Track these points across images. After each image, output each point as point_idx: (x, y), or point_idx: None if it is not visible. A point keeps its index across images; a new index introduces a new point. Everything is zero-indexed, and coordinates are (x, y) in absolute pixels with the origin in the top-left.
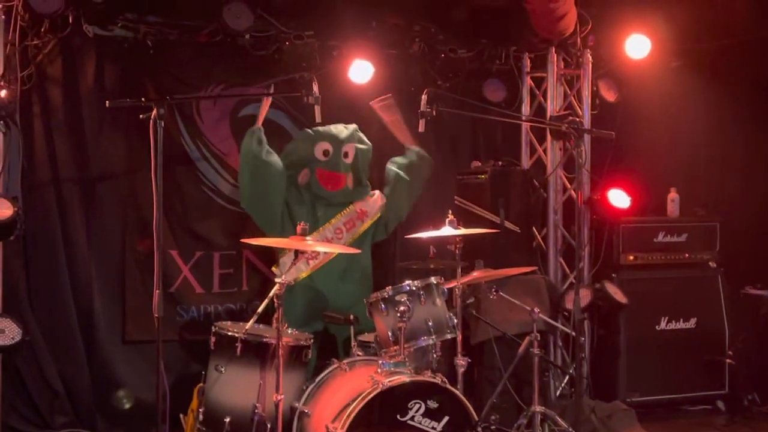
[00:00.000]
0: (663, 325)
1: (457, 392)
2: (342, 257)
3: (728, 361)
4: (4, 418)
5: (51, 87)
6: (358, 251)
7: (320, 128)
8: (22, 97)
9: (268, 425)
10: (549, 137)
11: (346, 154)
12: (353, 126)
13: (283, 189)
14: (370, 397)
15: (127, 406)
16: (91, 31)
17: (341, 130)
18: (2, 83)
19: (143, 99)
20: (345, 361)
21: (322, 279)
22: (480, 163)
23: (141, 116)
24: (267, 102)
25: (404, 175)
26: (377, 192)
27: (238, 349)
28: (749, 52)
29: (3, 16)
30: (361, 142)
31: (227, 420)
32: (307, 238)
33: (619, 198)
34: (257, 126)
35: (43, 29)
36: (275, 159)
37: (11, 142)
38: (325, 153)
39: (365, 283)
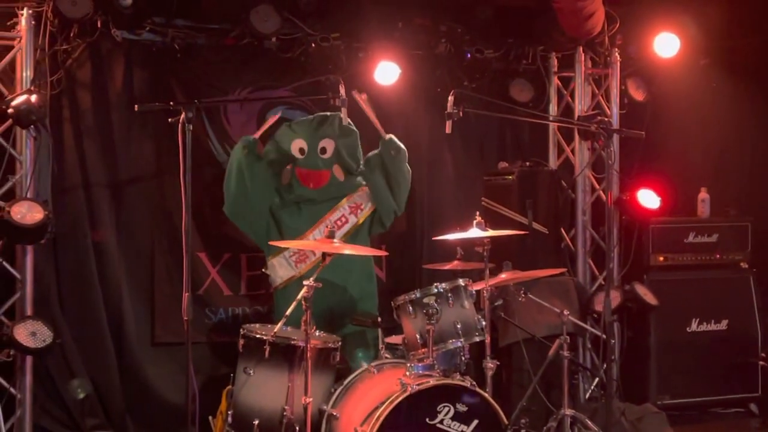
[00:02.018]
0: (694, 326)
1: (486, 395)
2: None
3: (761, 363)
4: (36, 420)
5: (80, 91)
6: (386, 253)
7: (300, 120)
8: (51, 101)
9: (297, 428)
10: (577, 137)
11: (323, 150)
12: (334, 114)
13: (268, 199)
14: (398, 400)
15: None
16: (119, 36)
17: (320, 121)
18: (32, 88)
19: (171, 102)
20: (373, 364)
21: (321, 279)
22: (507, 164)
23: (169, 120)
24: (271, 120)
25: (368, 170)
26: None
27: (267, 352)
28: None
29: (33, 22)
30: (343, 133)
31: (256, 423)
32: (335, 240)
33: (648, 198)
34: (252, 136)
35: (72, 34)
36: (263, 170)
37: (42, 146)
38: (301, 151)
39: (368, 278)
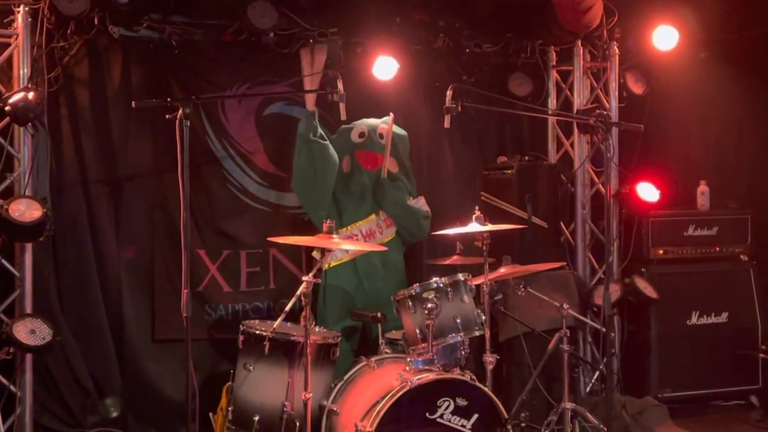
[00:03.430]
0: (694, 319)
1: (486, 389)
2: (378, 253)
3: (761, 355)
4: (37, 418)
5: (78, 88)
6: (385, 248)
7: (357, 121)
8: (49, 99)
9: (297, 423)
10: (576, 131)
11: (381, 136)
12: (387, 116)
13: (335, 172)
14: (398, 395)
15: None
16: (116, 32)
17: (371, 119)
18: (30, 85)
19: (169, 99)
20: (373, 359)
21: (359, 274)
22: (506, 158)
23: (167, 116)
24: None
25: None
26: (422, 198)
27: (266, 348)
28: None
29: (30, 19)
30: (397, 127)
31: (256, 418)
32: (334, 235)
33: (648, 191)
34: (309, 110)
35: (69, 31)
36: (329, 149)
37: (39, 143)
38: (361, 135)
39: (399, 281)
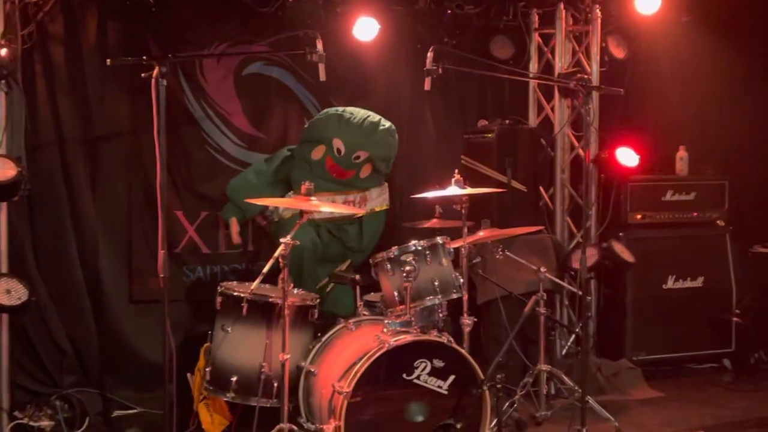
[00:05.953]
0: (670, 283)
1: (463, 351)
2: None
3: (735, 319)
4: (13, 378)
5: (53, 45)
6: (363, 211)
7: (349, 112)
8: (23, 56)
9: (275, 384)
10: (557, 95)
11: (357, 157)
12: (385, 126)
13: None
14: (376, 356)
15: None
16: None
17: (367, 133)
18: (3, 42)
19: (144, 57)
20: (351, 321)
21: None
22: (487, 122)
23: (143, 75)
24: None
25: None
26: (386, 192)
27: (244, 309)
28: (760, 8)
29: None
30: (387, 145)
31: (234, 379)
32: (312, 197)
33: (627, 156)
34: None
35: None
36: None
37: (14, 101)
38: (338, 151)
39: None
